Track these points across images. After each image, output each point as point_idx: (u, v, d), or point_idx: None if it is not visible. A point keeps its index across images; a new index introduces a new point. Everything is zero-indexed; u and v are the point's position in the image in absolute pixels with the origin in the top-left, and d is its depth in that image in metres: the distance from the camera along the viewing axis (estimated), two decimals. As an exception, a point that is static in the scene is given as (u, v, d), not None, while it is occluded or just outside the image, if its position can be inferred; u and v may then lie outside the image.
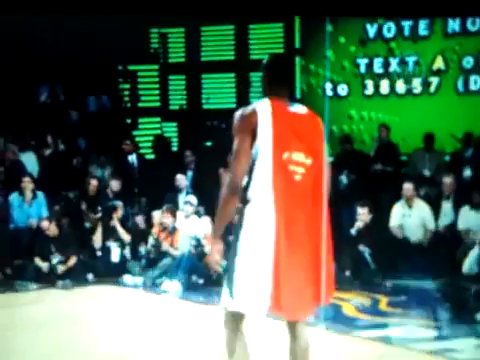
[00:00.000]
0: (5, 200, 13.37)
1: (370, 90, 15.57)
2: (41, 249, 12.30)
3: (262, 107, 4.89)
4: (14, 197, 13.19)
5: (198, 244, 12.08)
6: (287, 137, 4.92)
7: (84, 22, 14.55)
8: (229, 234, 5.13)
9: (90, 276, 12.36)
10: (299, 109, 5.10)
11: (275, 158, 4.82)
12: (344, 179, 13.73)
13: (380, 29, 15.30)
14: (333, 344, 8.57)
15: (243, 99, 15.95)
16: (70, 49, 15.88)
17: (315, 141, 5.04)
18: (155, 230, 12.52)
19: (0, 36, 14.97)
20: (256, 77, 16.27)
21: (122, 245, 12.73)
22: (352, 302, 10.74)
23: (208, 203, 12.21)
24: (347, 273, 11.92)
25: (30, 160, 14.85)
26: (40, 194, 13.22)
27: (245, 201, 4.88)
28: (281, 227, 4.84)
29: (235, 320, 5.27)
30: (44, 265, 12.17)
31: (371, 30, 15.36)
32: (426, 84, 15.09)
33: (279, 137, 4.86)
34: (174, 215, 12.41)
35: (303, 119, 5.06)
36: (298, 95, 16.15)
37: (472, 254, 10.00)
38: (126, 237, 12.83)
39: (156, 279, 11.88)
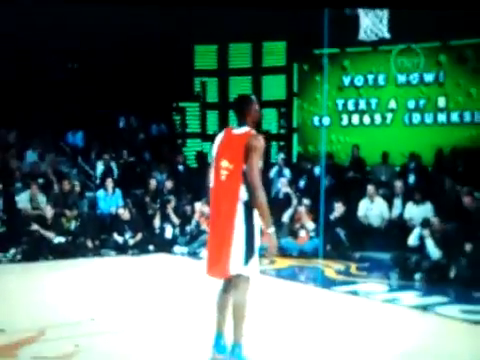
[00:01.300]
0: (94, 195, 13.44)
1: (345, 121, 15.51)
2: (118, 228, 12.33)
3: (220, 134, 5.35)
4: (100, 192, 13.26)
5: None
6: (222, 150, 5.21)
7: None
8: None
9: (151, 247, 12.33)
10: (238, 131, 5.24)
11: (215, 165, 5.21)
12: (326, 182, 13.71)
13: (352, 80, 15.27)
14: (318, 296, 8.61)
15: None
16: (140, 92, 15.97)
17: (237, 152, 5.08)
18: (196, 215, 12.50)
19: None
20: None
21: (173, 226, 12.74)
22: (332, 268, 10.73)
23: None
24: (328, 247, 11.89)
25: (112, 167, 14.92)
26: (118, 190, 13.24)
27: None
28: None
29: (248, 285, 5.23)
30: (120, 239, 12.21)
31: (346, 80, 15.34)
32: (383, 118, 15.07)
33: (218, 151, 5.26)
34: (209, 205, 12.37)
35: (235, 137, 5.20)
36: (295, 125, 16.16)
37: (413, 233, 9.96)
38: (176, 220, 12.82)
39: (196, 249, 11.87)
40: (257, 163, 5.06)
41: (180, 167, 15.33)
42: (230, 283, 5.21)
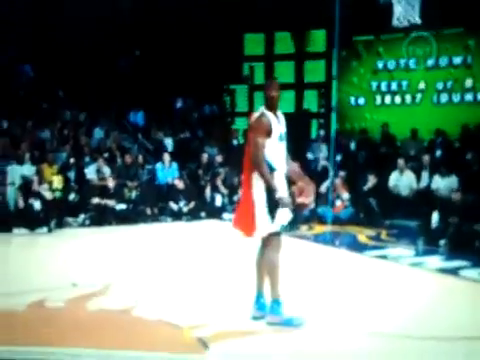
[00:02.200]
0: (153, 166, 13.54)
1: (378, 101, 15.25)
2: (174, 197, 12.42)
3: None
4: (158, 165, 13.32)
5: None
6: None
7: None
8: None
9: (203, 214, 12.40)
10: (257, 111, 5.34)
11: None
12: (361, 156, 13.60)
13: (385, 64, 15.04)
14: (352, 260, 8.58)
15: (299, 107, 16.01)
16: (195, 76, 16.03)
17: (249, 130, 5.36)
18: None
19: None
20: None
21: (223, 195, 12.77)
22: (364, 233, 10.65)
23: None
24: (361, 215, 11.82)
25: (169, 142, 15.02)
26: (174, 163, 13.29)
27: None
28: None
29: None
30: (175, 207, 12.31)
31: (380, 64, 15.11)
32: (413, 98, 14.75)
33: None
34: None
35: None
36: (333, 104, 16.02)
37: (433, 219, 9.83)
38: (225, 190, 12.84)
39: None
40: (255, 139, 5.08)
41: (232, 142, 15.34)
42: (265, 242, 5.25)
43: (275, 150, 5.14)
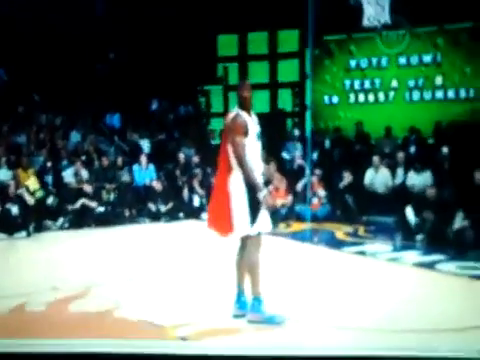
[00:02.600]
0: (130, 168, 13.44)
1: (352, 100, 15.32)
2: (152, 198, 12.36)
3: None
4: (135, 166, 13.19)
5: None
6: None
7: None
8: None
9: (181, 214, 12.35)
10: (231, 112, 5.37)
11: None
12: (336, 154, 13.66)
13: (358, 62, 15.12)
14: (330, 256, 8.62)
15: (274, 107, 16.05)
16: (169, 78, 15.97)
17: (225, 130, 5.36)
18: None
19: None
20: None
21: (200, 196, 12.72)
22: (342, 230, 10.71)
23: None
24: (338, 212, 11.88)
25: (145, 144, 14.93)
26: (151, 165, 13.20)
27: None
28: None
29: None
30: (153, 208, 12.26)
31: (352, 63, 15.18)
32: (386, 96, 14.86)
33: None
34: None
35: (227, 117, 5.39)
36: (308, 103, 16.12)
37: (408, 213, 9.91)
38: (201, 191, 12.74)
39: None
40: (235, 139, 5.09)
41: (209, 142, 15.32)
42: (245, 242, 5.25)
43: (252, 149, 5.16)
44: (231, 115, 5.25)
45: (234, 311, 5.33)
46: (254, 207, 5.08)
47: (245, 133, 5.11)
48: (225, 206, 5.17)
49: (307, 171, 12.51)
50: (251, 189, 5.07)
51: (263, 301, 5.22)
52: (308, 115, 15.29)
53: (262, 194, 5.04)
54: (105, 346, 4.37)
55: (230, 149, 5.15)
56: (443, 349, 4.14)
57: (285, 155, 14.21)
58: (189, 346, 4.69)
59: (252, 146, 5.16)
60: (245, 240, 5.21)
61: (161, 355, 4.10)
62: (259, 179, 5.18)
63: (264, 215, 5.17)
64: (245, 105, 5.25)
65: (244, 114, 5.19)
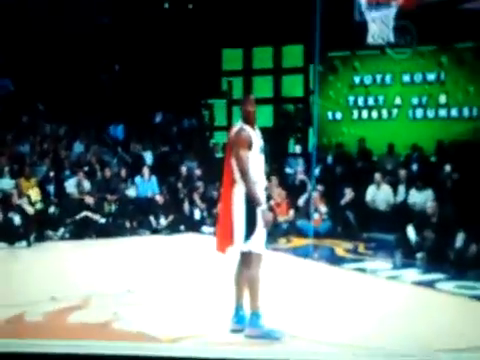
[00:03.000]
0: (132, 180, 13.44)
1: (355, 116, 15.34)
2: (153, 210, 12.35)
3: None
4: (138, 178, 13.18)
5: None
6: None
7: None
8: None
9: (182, 227, 12.33)
10: (235, 126, 5.37)
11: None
12: (338, 170, 13.65)
13: (362, 79, 15.16)
14: (329, 272, 8.59)
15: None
16: (174, 91, 16.05)
17: (229, 144, 5.37)
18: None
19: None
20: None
21: (201, 209, 12.71)
22: (342, 246, 10.68)
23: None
24: (339, 229, 11.86)
25: (148, 156, 14.94)
26: (153, 177, 13.20)
27: None
28: None
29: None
30: (154, 220, 12.26)
31: (356, 79, 15.22)
32: (389, 113, 14.87)
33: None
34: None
35: (230, 131, 5.41)
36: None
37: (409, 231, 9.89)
38: (201, 205, 12.73)
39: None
40: (239, 153, 5.10)
41: (212, 156, 15.33)
42: (245, 258, 5.24)
43: (256, 163, 5.17)
44: (235, 129, 5.27)
45: (232, 326, 5.31)
46: (251, 223, 5.08)
47: (249, 147, 5.13)
48: (227, 219, 5.18)
49: (309, 187, 12.51)
50: (250, 204, 5.07)
51: (262, 316, 5.20)
52: (310, 131, 15.32)
53: (261, 209, 5.05)
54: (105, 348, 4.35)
55: (234, 162, 5.17)
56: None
57: (288, 170, 14.23)
58: (184, 349, 4.65)
59: (255, 160, 5.18)
60: (245, 255, 5.20)
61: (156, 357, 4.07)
62: (261, 194, 5.19)
63: (260, 234, 5.15)
64: (249, 119, 5.28)
65: (248, 128, 5.22)
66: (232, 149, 5.20)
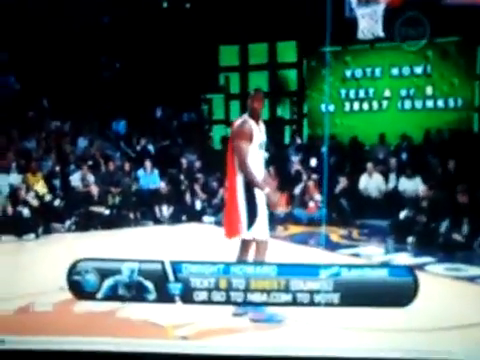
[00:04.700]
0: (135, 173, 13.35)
1: (347, 108, 15.29)
2: (156, 201, 12.28)
3: None
4: (140, 171, 13.12)
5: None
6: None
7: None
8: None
9: (184, 217, 12.27)
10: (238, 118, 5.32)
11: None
12: (332, 160, 13.60)
13: (353, 73, 15.11)
14: (325, 257, 8.55)
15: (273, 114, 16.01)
16: (173, 86, 15.96)
17: (231, 135, 5.28)
18: (222, 190, 12.42)
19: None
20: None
21: (202, 199, 12.65)
22: (337, 233, 10.65)
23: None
24: (334, 215, 11.81)
25: (150, 150, 14.85)
26: (155, 170, 13.13)
27: None
28: None
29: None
30: (157, 211, 12.19)
31: (348, 73, 15.17)
32: (380, 105, 14.86)
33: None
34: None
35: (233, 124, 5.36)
36: (305, 111, 16.07)
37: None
38: (202, 195, 12.68)
39: (222, 219, 11.78)
40: (239, 145, 5.05)
41: (211, 148, 15.26)
42: (244, 245, 5.22)
43: (255, 157, 5.11)
44: (239, 121, 5.21)
45: (234, 310, 5.26)
46: (252, 211, 5.04)
47: (250, 140, 5.07)
48: (233, 209, 5.13)
49: (304, 176, 12.48)
50: (250, 193, 5.02)
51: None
52: (305, 123, 15.28)
53: (265, 192, 4.99)
54: (107, 344, 4.32)
55: (234, 152, 5.11)
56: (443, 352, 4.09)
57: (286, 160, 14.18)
58: (190, 345, 4.63)
59: (255, 154, 5.12)
60: (248, 242, 5.17)
61: (162, 354, 4.04)
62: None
63: (262, 221, 5.10)
64: (254, 114, 5.21)
65: (251, 122, 5.16)
66: (233, 140, 5.13)
